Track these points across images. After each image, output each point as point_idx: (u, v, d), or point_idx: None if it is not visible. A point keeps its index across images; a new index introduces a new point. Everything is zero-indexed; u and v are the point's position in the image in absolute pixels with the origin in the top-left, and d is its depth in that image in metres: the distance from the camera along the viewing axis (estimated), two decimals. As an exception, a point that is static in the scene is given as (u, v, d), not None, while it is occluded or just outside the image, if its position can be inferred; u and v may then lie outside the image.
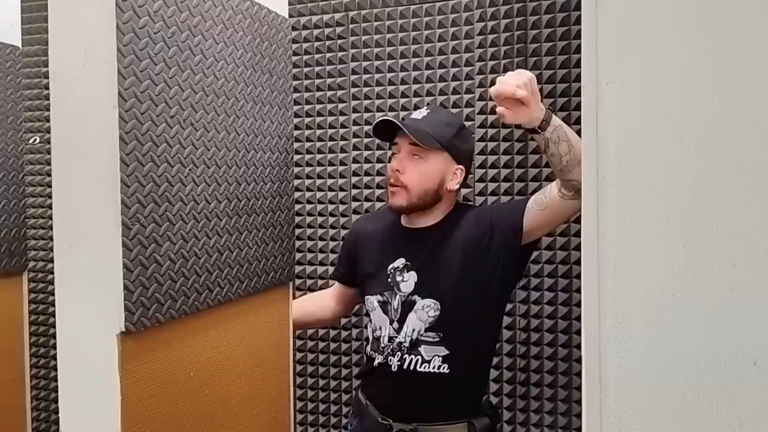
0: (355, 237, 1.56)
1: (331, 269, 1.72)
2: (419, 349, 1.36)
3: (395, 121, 1.36)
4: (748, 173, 0.65)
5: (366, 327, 1.49)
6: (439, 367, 1.35)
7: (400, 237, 1.45)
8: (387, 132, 1.40)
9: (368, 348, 1.48)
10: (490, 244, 1.35)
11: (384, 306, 1.41)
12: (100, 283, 1.00)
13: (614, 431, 0.70)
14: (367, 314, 1.47)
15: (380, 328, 1.42)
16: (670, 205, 0.68)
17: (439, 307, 1.35)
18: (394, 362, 1.38)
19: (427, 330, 1.36)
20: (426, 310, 1.36)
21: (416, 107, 1.64)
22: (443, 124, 1.38)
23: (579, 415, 1.51)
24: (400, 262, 1.41)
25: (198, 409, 1.19)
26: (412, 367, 1.36)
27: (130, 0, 1.00)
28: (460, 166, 1.39)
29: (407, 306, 1.38)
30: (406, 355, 1.37)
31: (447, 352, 1.35)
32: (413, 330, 1.37)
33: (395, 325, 1.39)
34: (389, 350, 1.39)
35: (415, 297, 1.37)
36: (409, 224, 1.44)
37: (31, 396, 1.85)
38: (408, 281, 1.39)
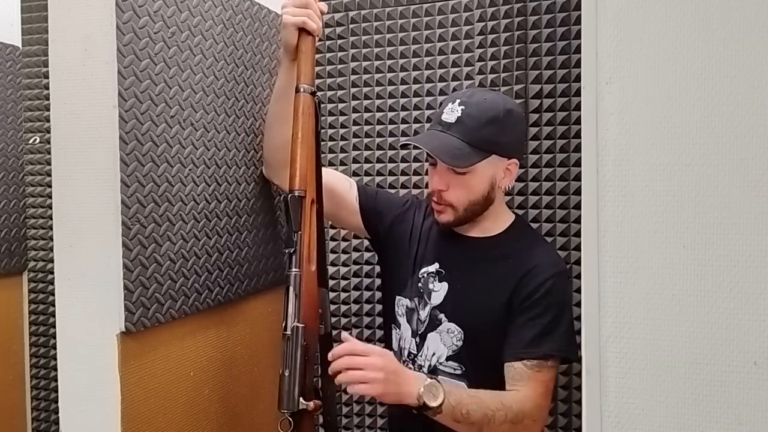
0: (400, 212, 1.34)
1: (332, 269, 1.72)
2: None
3: (424, 148, 1.17)
4: (748, 173, 0.65)
5: (388, 332, 1.33)
6: None
7: (440, 237, 1.28)
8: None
9: None
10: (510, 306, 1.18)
11: (410, 314, 1.26)
12: (100, 283, 1.00)
13: (614, 431, 0.70)
14: (393, 319, 1.30)
15: (404, 339, 1.27)
16: (670, 205, 0.68)
17: (462, 337, 1.19)
18: None
19: (448, 359, 1.20)
20: (450, 335, 1.20)
21: (416, 107, 1.63)
22: (484, 121, 1.14)
23: (579, 415, 1.51)
24: (434, 267, 1.25)
25: (198, 409, 1.19)
26: None
27: (130, 0, 1.00)
28: (513, 160, 1.20)
29: (432, 322, 1.22)
30: None
31: None
32: (433, 354, 1.21)
33: (417, 339, 1.24)
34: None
35: (441, 316, 1.21)
36: (457, 228, 1.25)
37: (31, 396, 1.84)
38: (439, 292, 1.23)
